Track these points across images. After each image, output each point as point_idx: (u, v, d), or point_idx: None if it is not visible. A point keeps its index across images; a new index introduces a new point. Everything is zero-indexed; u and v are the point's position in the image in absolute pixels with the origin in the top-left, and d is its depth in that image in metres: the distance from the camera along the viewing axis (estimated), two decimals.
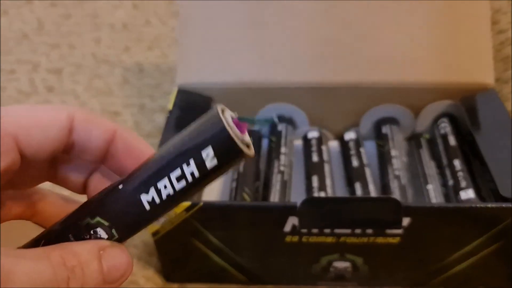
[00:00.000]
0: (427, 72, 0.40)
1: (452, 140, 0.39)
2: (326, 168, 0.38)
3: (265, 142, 0.42)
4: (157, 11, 0.64)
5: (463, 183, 0.35)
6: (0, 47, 0.59)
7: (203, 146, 0.16)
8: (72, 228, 0.19)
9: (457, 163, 0.36)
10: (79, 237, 0.18)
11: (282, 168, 0.38)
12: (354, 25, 0.40)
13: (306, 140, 0.41)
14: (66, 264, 0.16)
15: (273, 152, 0.40)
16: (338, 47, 0.40)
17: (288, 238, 0.32)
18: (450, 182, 0.36)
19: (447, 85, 0.40)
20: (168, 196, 0.17)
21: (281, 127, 0.42)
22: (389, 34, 0.40)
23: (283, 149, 0.40)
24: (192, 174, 0.17)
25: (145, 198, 0.17)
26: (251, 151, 0.17)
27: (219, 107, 0.17)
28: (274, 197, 0.36)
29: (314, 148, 0.40)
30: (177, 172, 0.17)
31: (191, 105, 0.40)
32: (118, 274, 0.18)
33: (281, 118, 0.42)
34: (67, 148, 0.18)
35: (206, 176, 0.17)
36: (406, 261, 0.34)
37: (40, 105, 0.18)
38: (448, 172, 0.37)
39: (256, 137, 0.42)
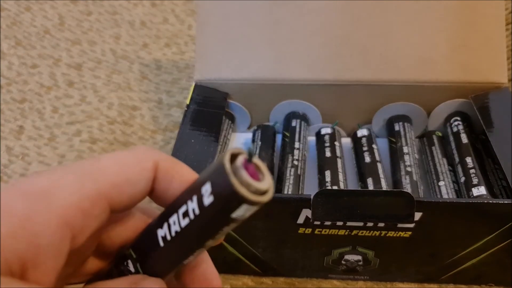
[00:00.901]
0: (440, 71, 0.40)
1: (464, 138, 0.39)
2: (339, 163, 0.39)
3: (279, 138, 0.43)
4: (175, 9, 0.65)
5: (475, 180, 0.35)
6: (22, 42, 0.60)
7: (203, 182, 0.16)
8: (117, 256, 0.19)
9: (469, 160, 0.37)
10: (117, 266, 0.19)
11: (295, 163, 0.39)
12: (369, 23, 0.41)
13: (319, 136, 0.42)
14: None
15: (287, 147, 0.40)
16: (353, 45, 0.41)
17: (301, 230, 0.33)
18: (462, 179, 0.36)
19: (460, 84, 0.40)
20: (176, 233, 0.17)
21: (295, 123, 0.42)
22: (403, 32, 0.41)
23: (296, 144, 0.40)
24: (193, 210, 0.16)
25: (160, 233, 0.17)
26: (260, 198, 0.16)
27: (232, 151, 0.16)
28: (288, 190, 0.37)
29: (327, 144, 0.41)
30: (183, 208, 0.17)
31: (207, 100, 0.41)
32: None
33: (295, 115, 0.43)
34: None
35: (205, 214, 0.16)
36: (417, 255, 0.34)
37: (126, 153, 0.18)
38: (460, 169, 0.37)
39: (271, 133, 0.43)
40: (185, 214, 0.16)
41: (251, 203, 0.16)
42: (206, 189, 0.16)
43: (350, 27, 0.41)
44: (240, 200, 0.16)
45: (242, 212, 0.16)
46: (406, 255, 0.34)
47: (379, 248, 0.34)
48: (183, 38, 0.61)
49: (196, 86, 0.42)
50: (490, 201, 0.31)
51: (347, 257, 0.35)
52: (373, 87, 0.41)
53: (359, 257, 0.35)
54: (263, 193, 0.16)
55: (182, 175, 0.18)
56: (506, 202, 0.31)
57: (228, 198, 0.16)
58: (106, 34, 0.62)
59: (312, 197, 0.31)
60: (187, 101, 0.40)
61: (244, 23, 0.42)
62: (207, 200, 0.16)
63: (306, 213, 0.32)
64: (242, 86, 0.42)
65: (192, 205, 0.16)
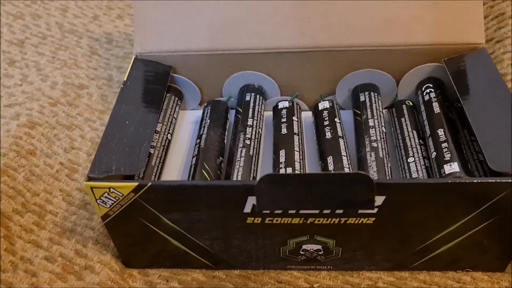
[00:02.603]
0: (409, 33, 0.36)
1: (436, 107, 0.35)
2: (296, 141, 0.35)
3: (233, 115, 0.39)
4: None
5: (447, 156, 0.31)
6: None
7: None
8: None
9: (441, 132, 0.33)
10: None
11: (247, 142, 0.35)
12: None
13: (276, 111, 0.38)
14: None
15: (239, 125, 0.36)
16: (310, 7, 0.36)
17: (249, 220, 0.29)
18: (433, 155, 0.32)
19: (432, 46, 0.36)
20: None
21: (249, 97, 0.38)
22: None
23: (249, 121, 0.36)
24: None
25: None
26: None
27: None
28: (237, 174, 0.33)
29: (284, 119, 0.36)
30: None
31: (148, 75, 0.36)
32: None
33: (250, 88, 0.39)
34: None
35: None
36: (384, 241, 0.30)
37: None
38: (431, 143, 0.33)
39: (222, 109, 0.38)
40: None
41: None
42: None
43: None
44: None
45: None
46: (372, 242, 0.31)
47: (340, 236, 0.30)
48: None
49: (135, 60, 0.37)
50: (461, 181, 0.27)
51: (305, 247, 0.31)
52: (335, 53, 0.37)
53: (319, 247, 0.31)
54: None
55: None
56: (480, 181, 0.27)
57: None
58: (52, 6, 0.57)
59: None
60: (125, 78, 0.36)
61: None
62: None
63: (252, 201, 0.28)
64: (188, 58, 0.38)
65: None
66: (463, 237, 0.30)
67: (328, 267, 0.33)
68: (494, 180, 0.27)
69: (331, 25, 0.36)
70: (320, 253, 0.31)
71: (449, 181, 0.27)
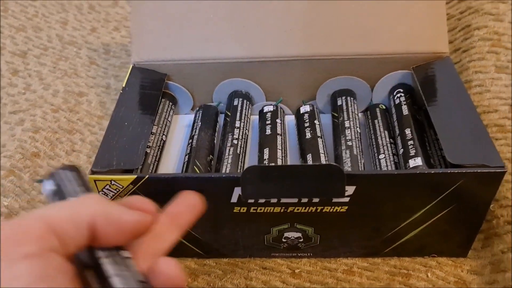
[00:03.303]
0: (381, 43, 0.40)
1: (405, 110, 0.38)
2: (279, 140, 0.38)
3: (222, 118, 0.42)
4: None
5: (412, 152, 0.35)
6: None
7: None
8: None
9: (408, 132, 0.36)
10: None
11: (235, 142, 0.38)
12: None
13: (262, 114, 0.41)
14: None
15: (228, 126, 0.40)
16: (291, 20, 0.40)
17: (236, 209, 0.32)
18: (401, 151, 0.36)
19: (402, 55, 0.40)
20: None
21: (237, 101, 0.41)
22: (342, 5, 0.40)
23: (237, 123, 0.40)
24: None
25: None
26: None
27: None
28: (226, 169, 0.36)
29: (268, 122, 0.40)
30: None
31: (144, 82, 0.40)
32: None
33: (238, 94, 0.42)
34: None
35: None
36: (358, 229, 0.34)
37: (65, 211, 0.20)
38: (399, 141, 0.37)
39: (213, 113, 0.42)
40: None
41: None
42: None
43: (287, 2, 0.40)
44: None
45: None
46: (346, 230, 0.34)
47: (318, 224, 0.33)
48: None
49: (133, 68, 0.41)
50: (420, 171, 0.30)
51: (287, 234, 0.34)
52: (314, 61, 0.40)
53: (299, 234, 0.34)
54: None
55: (119, 223, 0.21)
56: (437, 171, 0.30)
57: None
58: (53, 19, 0.60)
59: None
60: (123, 84, 0.39)
61: (179, 1, 0.41)
62: None
63: (238, 191, 0.31)
64: (181, 66, 0.41)
65: None
66: (427, 224, 0.33)
67: (308, 254, 0.36)
68: (450, 171, 0.30)
69: (311, 36, 0.40)
70: (301, 240, 0.35)
71: (410, 172, 0.31)
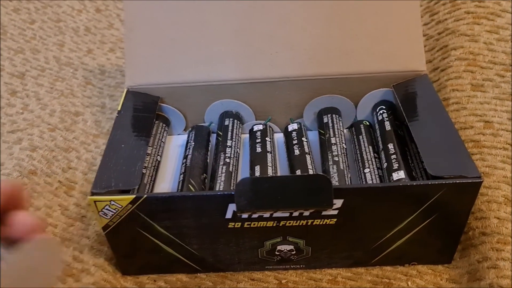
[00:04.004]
0: (362, 63, 0.42)
1: (388, 126, 0.41)
2: (269, 158, 0.40)
3: (214, 138, 0.44)
4: (120, 14, 0.66)
5: (395, 165, 0.37)
6: None
7: None
8: None
9: (391, 146, 0.39)
10: None
11: (228, 160, 0.40)
12: (292, 21, 0.42)
13: (252, 133, 0.43)
14: None
15: (220, 146, 0.42)
16: (277, 42, 0.42)
17: (231, 225, 0.34)
18: (385, 165, 0.38)
19: (382, 73, 0.42)
20: None
21: (228, 121, 0.44)
22: (324, 27, 0.42)
23: (229, 142, 0.42)
24: None
25: None
26: None
27: None
28: (219, 187, 0.38)
29: (258, 140, 0.42)
30: None
31: (139, 105, 0.42)
32: None
33: (228, 114, 0.44)
34: None
35: None
36: (345, 241, 0.36)
37: None
38: (383, 156, 0.39)
39: (205, 133, 0.44)
40: None
41: None
42: None
43: (273, 25, 0.42)
44: None
45: None
46: (335, 241, 0.36)
47: (309, 236, 0.35)
48: None
49: (127, 92, 0.43)
50: (403, 184, 0.32)
51: (279, 247, 0.36)
52: (300, 82, 0.43)
53: (291, 247, 0.36)
54: None
55: None
56: (419, 183, 0.32)
57: None
58: (50, 41, 0.62)
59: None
60: (119, 108, 0.41)
61: (171, 26, 0.42)
62: None
63: (233, 208, 0.33)
64: (173, 89, 0.43)
65: None
66: (411, 234, 0.35)
67: (301, 265, 0.38)
68: (431, 182, 0.32)
69: (296, 58, 0.42)
70: (293, 253, 0.36)
71: (395, 185, 0.33)
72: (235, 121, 0.44)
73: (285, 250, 0.36)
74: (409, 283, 0.37)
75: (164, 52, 0.43)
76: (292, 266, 0.38)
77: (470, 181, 0.32)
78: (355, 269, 0.38)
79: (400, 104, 0.40)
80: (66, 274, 0.37)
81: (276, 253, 0.37)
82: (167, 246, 0.36)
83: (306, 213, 0.33)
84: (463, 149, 0.34)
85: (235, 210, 0.33)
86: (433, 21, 0.51)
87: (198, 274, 0.38)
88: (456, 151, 0.34)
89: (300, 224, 0.34)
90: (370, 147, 0.41)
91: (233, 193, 0.32)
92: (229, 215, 0.33)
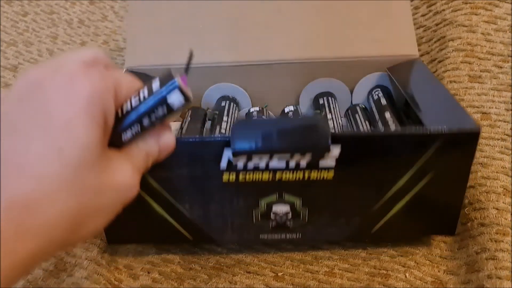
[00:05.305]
0: (357, 47, 0.43)
1: (384, 102, 0.41)
2: None
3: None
4: (114, 6, 0.65)
5: (392, 128, 0.37)
6: None
7: (154, 79, 0.27)
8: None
9: (387, 115, 0.39)
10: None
11: (223, 131, 0.40)
12: (288, 5, 0.43)
13: (248, 114, 0.44)
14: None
15: (216, 121, 0.42)
16: (273, 26, 0.43)
17: (225, 177, 0.33)
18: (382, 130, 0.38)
19: (377, 57, 0.43)
20: (132, 108, 0.26)
21: (224, 103, 0.44)
22: (320, 13, 0.43)
23: (225, 118, 0.42)
24: (144, 94, 0.26)
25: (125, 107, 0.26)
26: (187, 92, 0.25)
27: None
28: None
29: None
30: (140, 94, 0.27)
31: None
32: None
33: (225, 98, 0.45)
34: None
35: (151, 95, 0.25)
36: (343, 201, 0.34)
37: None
38: (379, 125, 0.39)
39: (202, 112, 0.44)
40: (138, 97, 0.25)
41: (181, 91, 0.25)
42: (156, 81, 0.25)
43: (269, 9, 0.43)
44: (175, 85, 0.25)
45: (174, 98, 0.25)
46: (334, 202, 0.34)
47: (305, 194, 0.34)
48: (122, 34, 0.61)
49: (126, 71, 0.43)
50: (400, 132, 0.32)
51: (275, 209, 0.35)
52: (296, 65, 0.43)
53: (287, 207, 0.35)
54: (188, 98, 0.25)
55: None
56: (418, 131, 0.31)
57: (167, 80, 0.25)
58: (43, 34, 0.62)
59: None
60: None
61: (170, 11, 0.44)
62: (155, 86, 0.25)
63: (228, 155, 0.32)
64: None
65: (144, 92, 0.25)
66: (410, 196, 0.34)
67: (297, 234, 0.36)
68: (428, 132, 0.31)
69: (291, 41, 0.43)
70: (289, 216, 0.35)
71: (390, 133, 0.32)
72: (232, 103, 0.44)
73: (281, 213, 0.35)
74: (407, 274, 0.36)
75: (162, 35, 0.43)
76: (288, 235, 0.36)
77: (467, 131, 0.31)
78: (352, 259, 0.37)
79: (395, 82, 0.40)
80: (58, 269, 0.37)
81: (271, 216, 0.35)
82: (158, 205, 0.34)
83: (303, 163, 0.32)
84: (460, 109, 0.34)
85: (231, 153, 0.31)
86: (430, 12, 0.51)
87: (193, 265, 0.37)
88: (453, 110, 0.34)
89: (297, 178, 0.33)
90: (367, 122, 0.41)
91: (229, 138, 0.31)
92: (223, 164, 0.32)
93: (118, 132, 0.25)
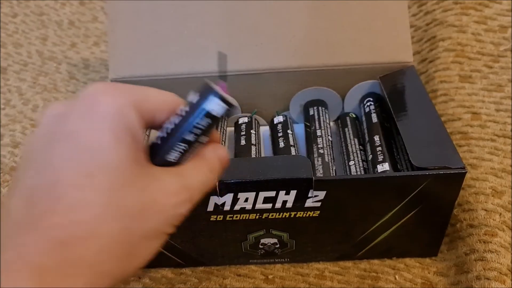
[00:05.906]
0: (348, 54, 0.41)
1: (374, 118, 0.40)
2: (253, 150, 0.39)
3: None
4: (105, 6, 0.64)
5: (380, 157, 0.37)
6: None
7: (191, 93, 0.24)
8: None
9: (377, 138, 0.38)
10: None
11: None
12: (276, 12, 0.41)
13: (237, 126, 0.43)
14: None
15: None
16: (261, 34, 0.41)
17: (213, 218, 0.33)
18: (370, 157, 0.37)
19: (369, 65, 0.41)
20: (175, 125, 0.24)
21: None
22: (309, 19, 0.41)
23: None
24: (184, 110, 0.24)
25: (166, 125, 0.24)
26: (228, 99, 0.24)
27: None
28: None
29: (243, 133, 0.41)
30: (179, 112, 0.24)
31: None
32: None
33: None
34: None
35: (191, 108, 0.23)
36: (330, 234, 0.35)
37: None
38: (368, 148, 0.38)
39: None
40: (179, 114, 0.23)
41: (222, 99, 0.23)
42: (193, 95, 0.23)
43: (257, 16, 0.41)
44: (215, 93, 0.23)
45: (215, 106, 0.23)
46: (320, 235, 0.35)
47: (292, 229, 0.35)
48: None
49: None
50: (386, 175, 0.32)
51: (263, 241, 0.36)
52: (286, 74, 0.42)
53: (275, 240, 0.35)
54: (229, 103, 0.24)
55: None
56: (403, 174, 0.32)
57: (207, 91, 0.23)
58: (33, 35, 0.61)
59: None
60: None
61: (154, 19, 0.42)
62: (194, 98, 0.23)
63: (214, 200, 0.32)
64: (157, 82, 0.42)
65: (184, 108, 0.23)
66: (396, 226, 0.35)
67: (285, 259, 0.37)
68: (414, 174, 0.32)
69: (282, 50, 0.41)
70: (277, 246, 0.36)
71: (378, 176, 0.32)
72: None
73: (269, 244, 0.36)
74: (397, 276, 0.36)
75: (147, 44, 0.42)
76: (277, 260, 0.38)
77: (454, 172, 0.31)
78: (343, 263, 0.37)
79: (386, 97, 0.39)
80: None
81: (260, 246, 0.36)
82: None
83: (289, 205, 0.33)
84: (449, 141, 0.34)
85: (218, 203, 0.32)
86: (421, 12, 0.51)
87: (184, 270, 0.38)
88: (441, 143, 0.34)
89: (283, 216, 0.33)
90: (356, 140, 0.40)
91: (214, 185, 0.31)
92: (210, 207, 0.33)
93: (165, 151, 0.24)
